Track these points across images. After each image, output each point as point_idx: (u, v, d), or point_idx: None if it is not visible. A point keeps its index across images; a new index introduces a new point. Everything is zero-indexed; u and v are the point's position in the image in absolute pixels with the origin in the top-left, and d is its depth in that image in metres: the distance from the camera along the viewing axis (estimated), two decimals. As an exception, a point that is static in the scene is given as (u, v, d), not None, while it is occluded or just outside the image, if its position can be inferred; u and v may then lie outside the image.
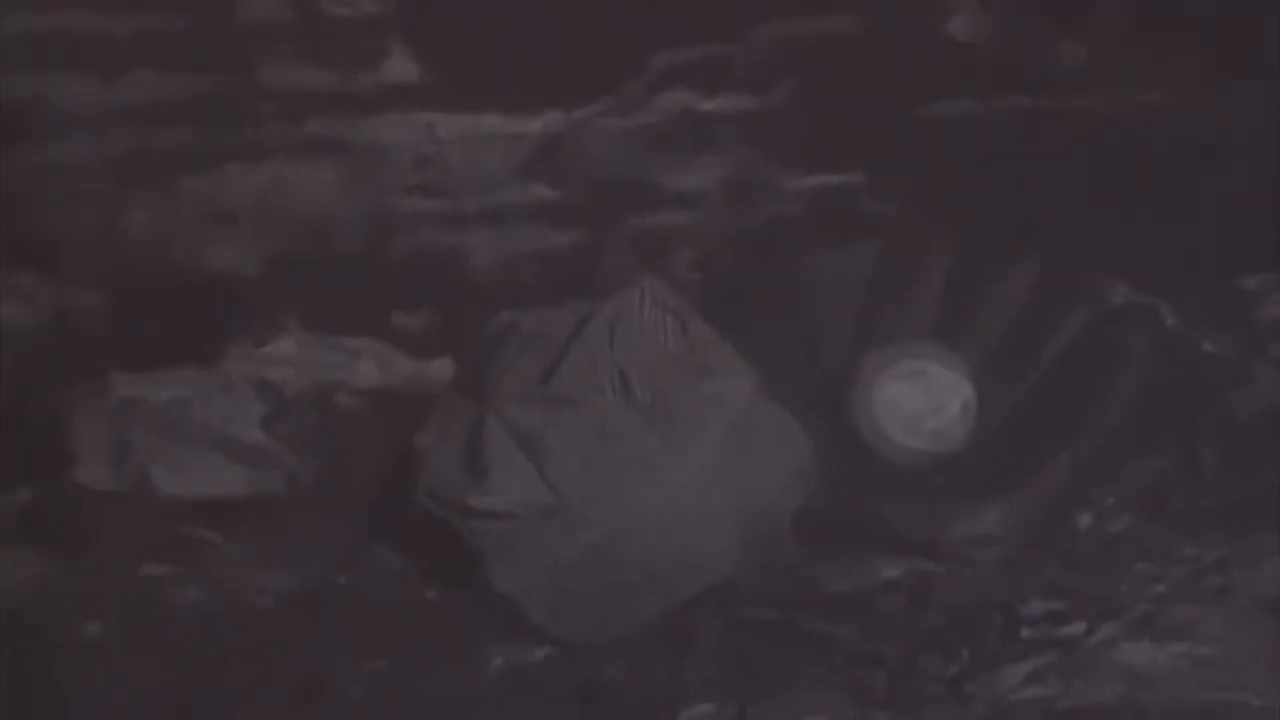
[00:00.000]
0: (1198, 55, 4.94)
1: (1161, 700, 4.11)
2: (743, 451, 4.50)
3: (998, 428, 4.71)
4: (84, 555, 4.47)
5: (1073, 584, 4.42)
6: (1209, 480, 4.67)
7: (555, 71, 4.87)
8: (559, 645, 4.30)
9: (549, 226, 4.96)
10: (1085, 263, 4.84)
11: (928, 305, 4.81)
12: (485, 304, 4.84)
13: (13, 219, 4.78)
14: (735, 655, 4.26)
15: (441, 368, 4.81)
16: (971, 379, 4.73)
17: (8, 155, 4.76)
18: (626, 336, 4.55)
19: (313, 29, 4.85)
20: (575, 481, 4.42)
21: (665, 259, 4.96)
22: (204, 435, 4.67)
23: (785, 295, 4.83)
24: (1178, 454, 4.70)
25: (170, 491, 4.62)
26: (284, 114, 4.87)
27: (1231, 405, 4.77)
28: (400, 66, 4.88)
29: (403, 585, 4.46)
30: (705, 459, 4.47)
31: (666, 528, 4.40)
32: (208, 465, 4.65)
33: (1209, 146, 4.94)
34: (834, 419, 4.68)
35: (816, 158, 5.00)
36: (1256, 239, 4.92)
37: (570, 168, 4.95)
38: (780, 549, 4.49)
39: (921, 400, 4.71)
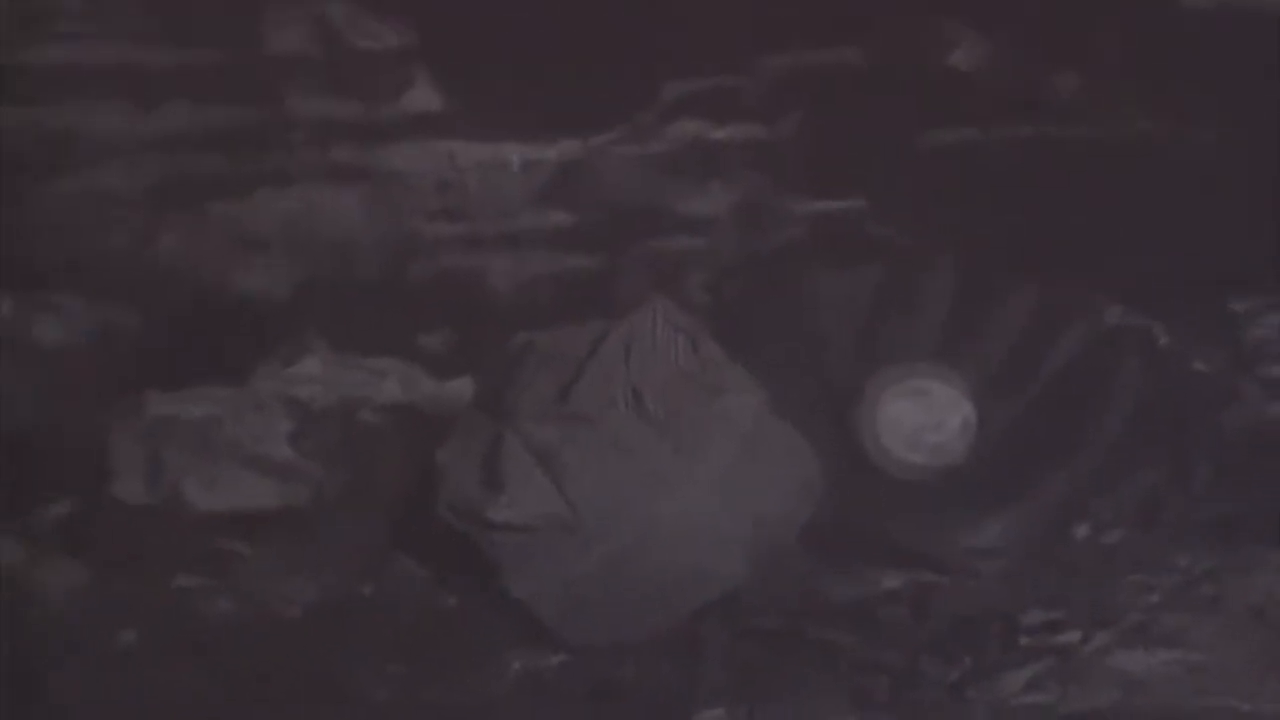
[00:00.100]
0: (1189, 87, 4.91)
1: (1154, 705, 4.13)
2: (752, 466, 4.48)
3: (997, 443, 4.71)
4: (120, 566, 4.48)
5: (1070, 594, 4.43)
6: (1200, 494, 4.66)
7: (571, 102, 4.85)
8: (574, 651, 4.30)
9: (565, 250, 4.95)
10: (1082, 285, 4.83)
11: (930, 326, 4.79)
12: (503, 325, 4.82)
13: (53, 243, 4.79)
14: (744, 662, 4.27)
15: (461, 386, 4.80)
16: (972, 396, 4.72)
17: (48, 183, 4.77)
18: (640, 356, 4.53)
19: (339, 62, 4.84)
20: (591, 495, 4.40)
21: (677, 281, 4.94)
22: (234, 451, 4.67)
23: (792, 316, 4.80)
24: (1170, 468, 4.69)
25: (202, 505, 4.63)
26: (311, 142, 4.86)
27: (1221, 422, 4.77)
28: (422, 97, 4.87)
29: (425, 594, 4.46)
30: (716, 474, 4.46)
31: (678, 539, 4.40)
32: (238, 480, 4.66)
33: (1200, 174, 4.92)
34: (839, 435, 4.67)
35: (822, 184, 4.99)
36: (1245, 264, 4.91)
37: (586, 194, 4.94)
38: (787, 560, 4.49)
39: (923, 417, 4.71)
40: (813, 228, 5.01)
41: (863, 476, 4.66)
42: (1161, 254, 4.88)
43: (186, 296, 4.82)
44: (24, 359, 4.77)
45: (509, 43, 4.78)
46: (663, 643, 4.32)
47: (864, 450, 4.68)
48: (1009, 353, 4.78)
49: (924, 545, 4.54)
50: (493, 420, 4.53)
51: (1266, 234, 4.88)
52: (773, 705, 4.15)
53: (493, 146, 4.90)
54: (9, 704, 4.14)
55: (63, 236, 4.78)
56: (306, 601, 4.45)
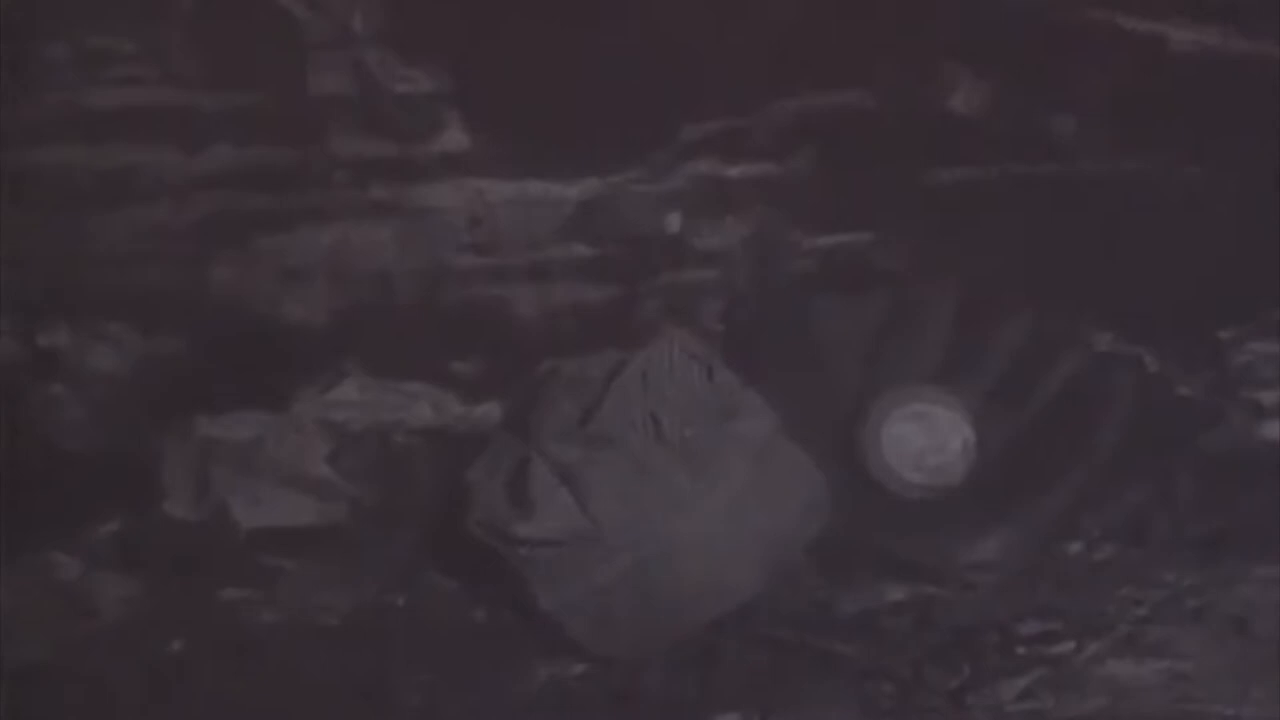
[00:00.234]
0: (1177, 128, 4.90)
1: (1143, 712, 4.15)
2: (763, 486, 4.49)
3: (995, 464, 4.71)
4: (170, 579, 4.49)
5: (1063, 606, 4.43)
6: (1186, 512, 4.66)
7: (593, 142, 4.84)
8: (597, 660, 4.32)
9: (587, 282, 4.93)
10: (1074, 315, 4.83)
11: (931, 352, 4.78)
12: (529, 352, 4.80)
13: (108, 275, 4.77)
14: (756, 670, 4.29)
15: (489, 410, 4.79)
16: (971, 420, 4.72)
17: (104, 218, 4.76)
18: (658, 382, 4.53)
19: (375, 103, 4.82)
20: (612, 512, 4.41)
21: (693, 311, 4.92)
22: (276, 471, 4.69)
23: (802, 344, 4.78)
24: (1158, 488, 4.70)
25: (247, 522, 4.63)
26: (349, 180, 4.84)
27: (1206, 444, 4.78)
28: (454, 138, 4.84)
29: (455, 605, 4.48)
30: (729, 493, 4.46)
31: (694, 554, 4.40)
32: (280, 498, 4.66)
33: (1188, 211, 4.91)
34: (846, 456, 4.67)
35: (830, 219, 4.95)
36: (1230, 294, 4.90)
37: (606, 228, 4.91)
38: (797, 574, 4.51)
39: (925, 439, 4.71)
40: (821, 260, 4.97)
41: (868, 495, 4.66)
42: (1150, 285, 4.85)
43: (232, 326, 4.80)
44: (80, 385, 4.76)
45: (534, 88, 4.76)
46: (680, 652, 4.33)
47: (869, 470, 4.68)
48: (1006, 378, 4.77)
49: (926, 560, 4.55)
50: (519, 442, 4.53)
51: (1250, 266, 4.86)
52: (783, 711, 4.18)
53: (519, 184, 4.87)
54: (68, 708, 4.19)
55: (117, 269, 4.77)
56: (344, 612, 4.47)
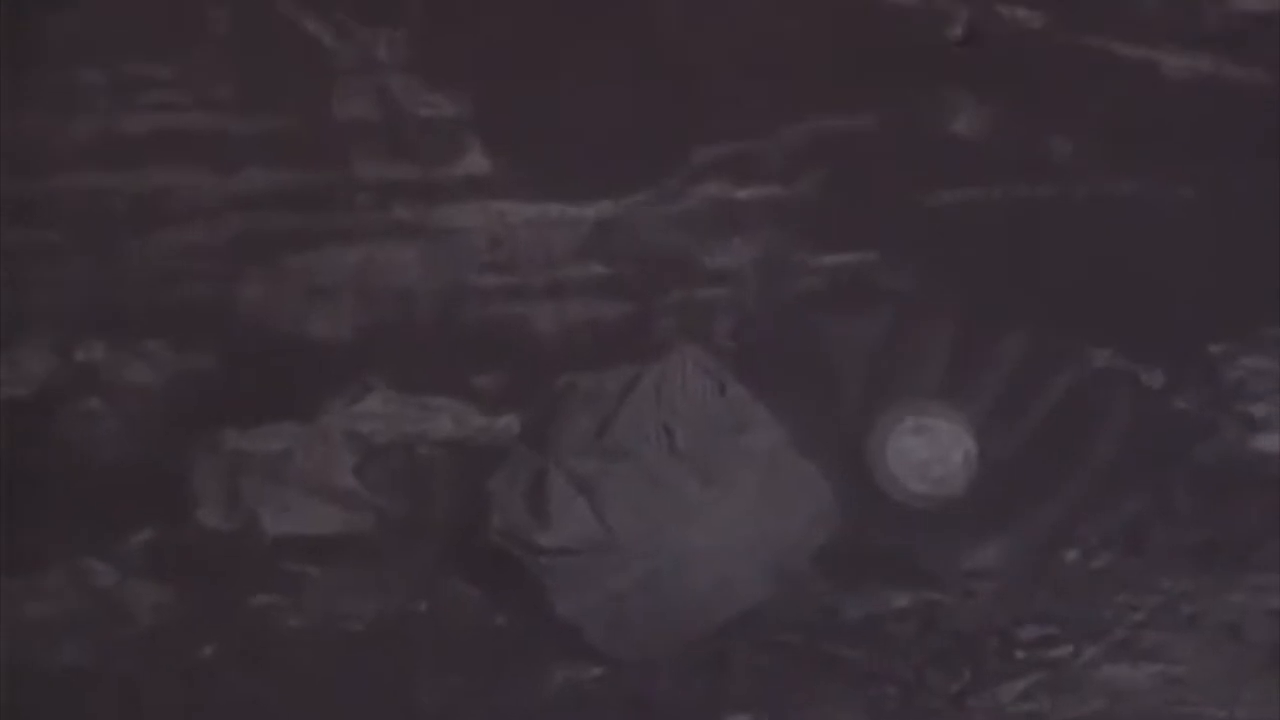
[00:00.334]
0: (1171, 151, 4.90)
1: (1139, 714, 4.17)
2: (772, 497, 4.50)
3: (996, 475, 4.70)
4: (202, 586, 4.50)
5: (1061, 612, 4.44)
6: (1180, 521, 4.66)
7: (608, 166, 4.84)
8: (612, 663, 4.33)
9: (603, 299, 4.91)
10: (1072, 331, 4.82)
11: (934, 368, 4.77)
12: (547, 367, 4.79)
13: (143, 293, 4.77)
14: (765, 673, 4.30)
15: (509, 423, 4.77)
16: (972, 432, 4.72)
17: (140, 239, 4.76)
18: (671, 396, 4.54)
19: (399, 127, 4.83)
20: (627, 522, 4.42)
21: (704, 328, 4.89)
22: (304, 481, 4.68)
23: (809, 360, 4.77)
24: (1153, 498, 4.70)
25: (275, 531, 4.63)
26: (374, 202, 4.84)
27: (1200, 455, 4.77)
28: (475, 161, 4.84)
29: (476, 612, 4.48)
30: (740, 503, 4.48)
31: (706, 562, 4.42)
32: (307, 508, 4.66)
33: (1181, 231, 4.90)
34: (852, 468, 4.67)
35: (836, 239, 4.94)
36: (1222, 311, 4.89)
37: (621, 248, 4.90)
38: (804, 581, 4.51)
39: (929, 451, 4.71)
40: (827, 279, 4.95)
41: (873, 505, 4.66)
42: (1145, 303, 4.85)
43: (262, 342, 4.80)
44: (116, 399, 4.75)
45: (552, 114, 4.78)
46: (692, 656, 4.34)
47: (874, 481, 4.68)
48: (1006, 392, 4.76)
49: (929, 567, 4.55)
50: (538, 454, 4.54)
51: (1242, 284, 4.86)
52: (791, 713, 4.20)
53: (537, 206, 4.87)
54: (106, 711, 4.21)
55: (152, 287, 4.77)
56: (368, 618, 4.47)
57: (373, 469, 4.72)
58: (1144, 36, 4.89)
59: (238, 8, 4.75)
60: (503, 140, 4.85)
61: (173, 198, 4.78)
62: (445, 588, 4.52)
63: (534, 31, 4.77)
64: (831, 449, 4.65)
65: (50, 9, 4.67)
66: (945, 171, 4.93)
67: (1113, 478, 4.70)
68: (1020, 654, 4.32)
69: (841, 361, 4.78)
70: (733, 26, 4.83)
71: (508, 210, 4.87)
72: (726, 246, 4.95)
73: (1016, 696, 4.21)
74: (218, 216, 4.80)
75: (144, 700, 4.23)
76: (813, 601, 4.48)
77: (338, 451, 4.72)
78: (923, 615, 4.45)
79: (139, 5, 4.69)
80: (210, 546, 4.60)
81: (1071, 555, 4.62)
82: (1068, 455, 4.71)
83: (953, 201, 4.94)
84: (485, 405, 4.84)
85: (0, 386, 4.73)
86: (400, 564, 4.58)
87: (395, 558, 4.59)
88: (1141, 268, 4.88)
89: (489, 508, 4.48)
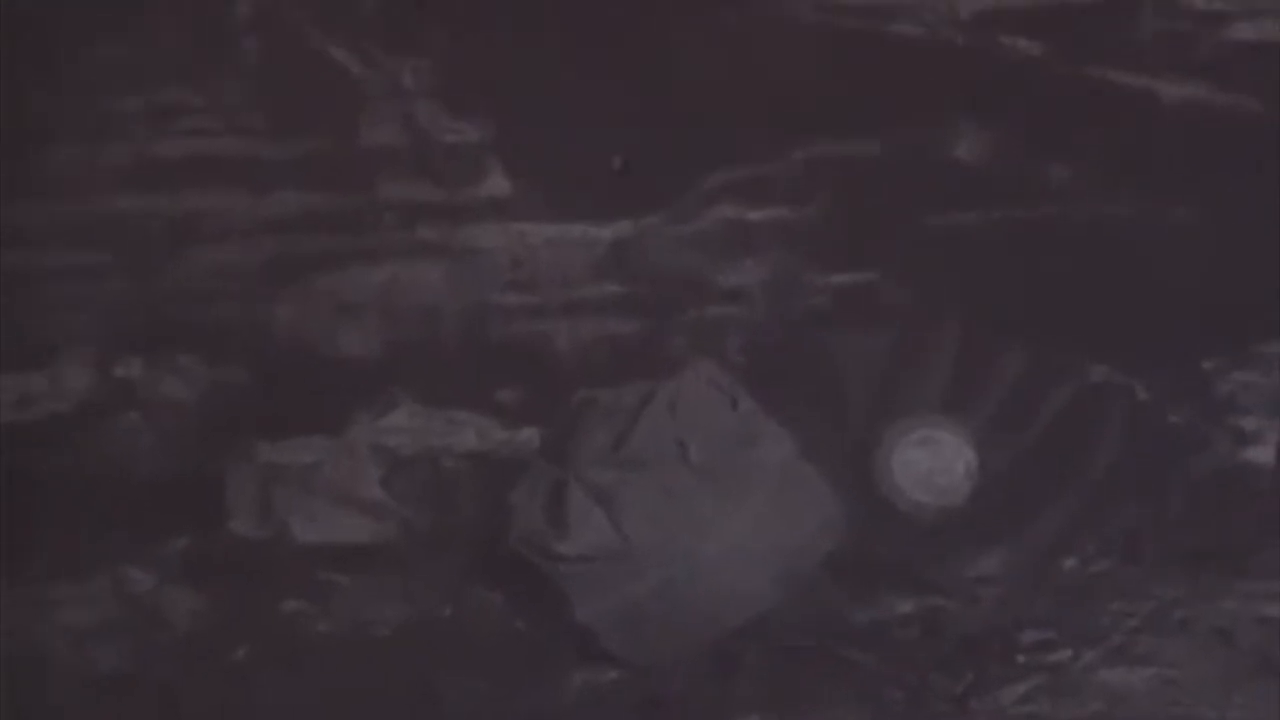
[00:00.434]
0: (1166, 175, 4.90)
1: (1135, 716, 4.17)
2: (782, 507, 4.50)
3: (997, 485, 4.70)
4: (234, 592, 4.50)
5: (1060, 617, 4.43)
6: (1174, 530, 4.65)
7: (624, 189, 4.85)
8: (628, 667, 4.34)
9: (619, 317, 4.91)
10: (1070, 347, 4.82)
11: (937, 382, 4.77)
12: (566, 382, 4.79)
13: (179, 311, 4.78)
14: (775, 676, 4.30)
15: (530, 436, 4.78)
16: (974, 444, 4.72)
17: (176, 259, 4.77)
18: (685, 410, 4.54)
19: (424, 152, 4.83)
20: (643, 531, 4.42)
21: (717, 345, 4.88)
22: (333, 492, 4.68)
23: (817, 375, 4.78)
24: (1148, 508, 4.69)
25: (305, 539, 4.63)
26: (400, 223, 4.84)
27: (1193, 467, 4.77)
28: (497, 184, 4.84)
29: (498, 617, 4.47)
30: (751, 513, 4.48)
31: (718, 570, 4.42)
32: (336, 517, 4.66)
33: (1175, 251, 4.89)
34: (858, 479, 4.67)
35: (843, 259, 4.93)
36: (1214, 328, 4.89)
37: (637, 268, 4.91)
38: (813, 587, 4.50)
39: (932, 462, 4.70)
40: (834, 297, 4.94)
41: (879, 514, 4.66)
42: (1140, 320, 4.85)
43: (292, 358, 4.81)
44: (153, 413, 4.76)
45: (571, 139, 4.78)
46: (704, 660, 4.34)
47: (880, 491, 4.69)
48: (1007, 406, 4.76)
49: (933, 574, 4.56)
50: (557, 466, 4.54)
51: (1233, 302, 4.86)
52: (800, 714, 4.20)
53: (557, 227, 4.88)
54: (144, 712, 4.23)
55: (187, 306, 4.79)
56: (394, 623, 4.47)
57: (399, 480, 4.72)
58: (1140, 65, 4.89)
59: (269, 38, 4.75)
60: (523, 164, 4.85)
61: (207, 220, 4.79)
62: (469, 594, 4.52)
63: (552, 61, 4.78)
64: (839, 461, 4.65)
65: (90, 40, 4.68)
66: (948, 194, 4.93)
67: (1109, 488, 4.70)
68: (1021, 658, 4.31)
69: (848, 376, 4.78)
70: (744, 57, 4.83)
71: (528, 231, 4.88)
72: (738, 266, 4.95)
73: (1017, 699, 4.21)
74: (250, 238, 4.80)
75: (180, 702, 4.24)
76: (821, 607, 4.46)
77: (365, 463, 4.72)
78: (927, 620, 4.44)
79: (174, 36, 4.71)
80: (243, 554, 4.59)
81: (1070, 563, 4.61)
82: (1066, 467, 4.71)
83: (955, 223, 4.94)
84: (507, 419, 4.84)
85: (43, 402, 4.75)
86: (425, 572, 4.57)
87: (420, 566, 4.59)
88: (1137, 287, 4.88)
89: (510, 518, 4.49)
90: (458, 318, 4.90)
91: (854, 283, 4.96)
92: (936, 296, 4.91)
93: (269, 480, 4.68)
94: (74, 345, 4.78)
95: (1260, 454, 4.81)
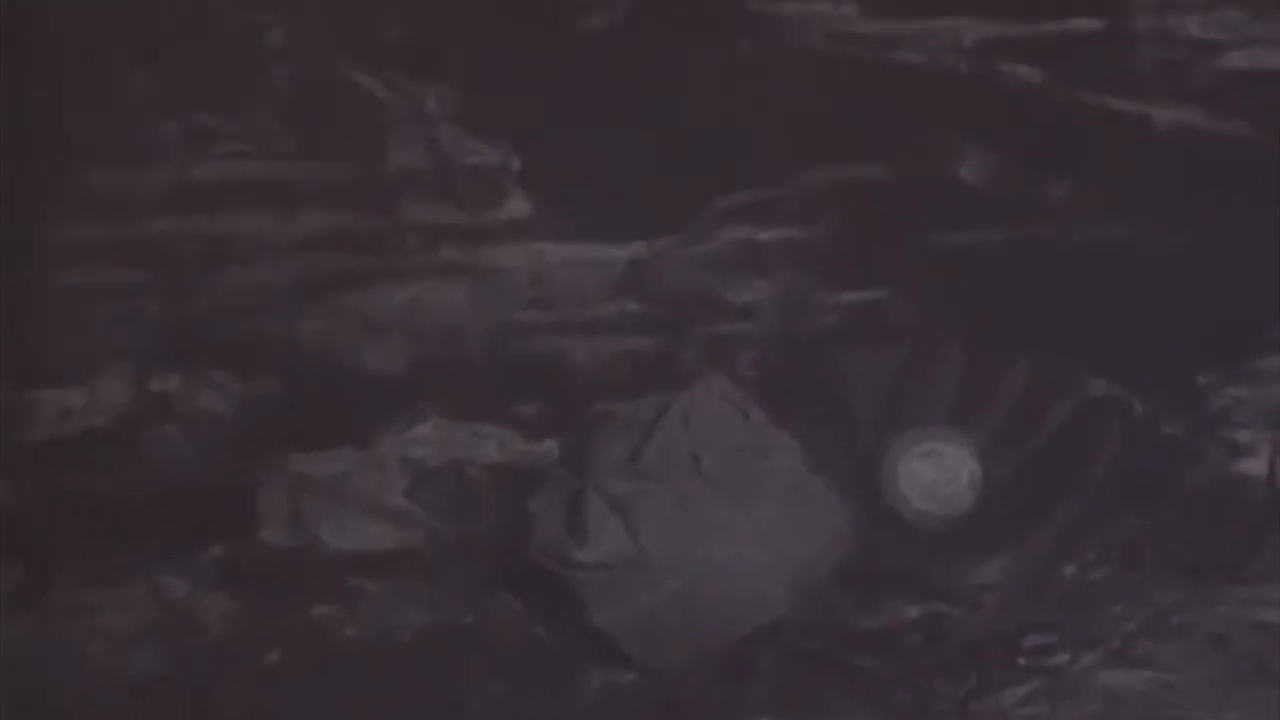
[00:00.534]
0: (1161, 196, 4.90)
1: (1132, 717, 4.17)
2: (792, 516, 4.50)
3: (999, 495, 4.71)
4: (266, 598, 4.51)
5: (1060, 622, 4.42)
6: (1170, 539, 4.66)
7: (640, 211, 4.87)
8: (644, 671, 4.34)
9: (635, 334, 4.91)
10: (1069, 363, 4.82)
11: (942, 397, 4.78)
12: (584, 396, 4.81)
13: (213, 329, 4.80)
14: (786, 680, 4.31)
15: (549, 448, 4.79)
16: (977, 456, 4.72)
17: (210, 278, 4.79)
18: (699, 423, 4.55)
19: (447, 175, 4.84)
20: (658, 540, 4.42)
21: (729, 360, 4.89)
22: (361, 502, 4.68)
23: (826, 389, 4.79)
24: (1145, 517, 4.70)
25: (334, 547, 4.64)
26: (424, 244, 4.85)
27: (1188, 478, 4.78)
28: (517, 206, 4.86)
29: (519, 622, 4.47)
30: (762, 522, 4.48)
31: (731, 577, 4.42)
32: (364, 526, 4.66)
33: (1170, 270, 4.90)
34: (866, 489, 4.68)
35: (851, 278, 4.94)
36: (1208, 345, 4.91)
37: (652, 287, 4.91)
38: (822, 595, 4.51)
39: (937, 473, 4.70)
40: (843, 315, 4.95)
41: (886, 524, 4.67)
42: (1137, 337, 4.86)
43: (321, 373, 4.82)
44: (189, 426, 4.78)
45: (588, 162, 4.80)
46: (717, 664, 4.35)
47: (886, 501, 4.69)
48: (1008, 419, 4.77)
49: (937, 581, 4.56)
50: (576, 476, 4.54)
51: (1226, 320, 4.88)
52: (810, 716, 4.21)
53: (575, 247, 4.89)
54: (179, 713, 4.25)
55: (221, 323, 4.80)
56: (419, 628, 4.47)
57: (424, 490, 4.72)
58: (1136, 92, 4.90)
59: (298, 66, 4.77)
60: (543, 187, 4.86)
61: (239, 241, 4.79)
62: (491, 600, 4.50)
63: (570, 88, 4.79)
64: (847, 472, 4.65)
65: (131, 68, 4.70)
66: (952, 215, 4.93)
67: (1107, 498, 4.70)
68: (1022, 661, 4.30)
69: (856, 391, 4.78)
70: (755, 84, 4.84)
71: (547, 251, 4.88)
72: (749, 285, 4.95)
73: (1019, 701, 4.20)
74: (280, 258, 4.81)
75: (213, 703, 4.26)
76: (830, 613, 4.45)
77: (392, 474, 4.72)
78: (931, 626, 4.42)
79: (209, 66, 4.73)
80: (274, 561, 4.59)
81: (1070, 570, 4.60)
82: (1066, 478, 4.71)
83: (959, 243, 4.94)
84: (527, 432, 4.84)
85: (83, 416, 4.76)
86: (449, 578, 4.57)
87: (444, 573, 4.59)
88: (1133, 304, 4.89)
89: (531, 526, 4.49)
90: (480, 335, 4.90)
91: (862, 301, 4.97)
92: (941, 314, 4.92)
93: (299, 490, 4.68)
94: (113, 361, 4.78)
95: (1253, 465, 4.82)
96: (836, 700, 4.24)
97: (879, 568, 4.58)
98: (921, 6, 4.86)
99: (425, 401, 4.84)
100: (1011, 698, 4.22)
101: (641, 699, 4.29)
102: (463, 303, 4.88)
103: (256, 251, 4.81)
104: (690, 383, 4.69)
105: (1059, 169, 4.94)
